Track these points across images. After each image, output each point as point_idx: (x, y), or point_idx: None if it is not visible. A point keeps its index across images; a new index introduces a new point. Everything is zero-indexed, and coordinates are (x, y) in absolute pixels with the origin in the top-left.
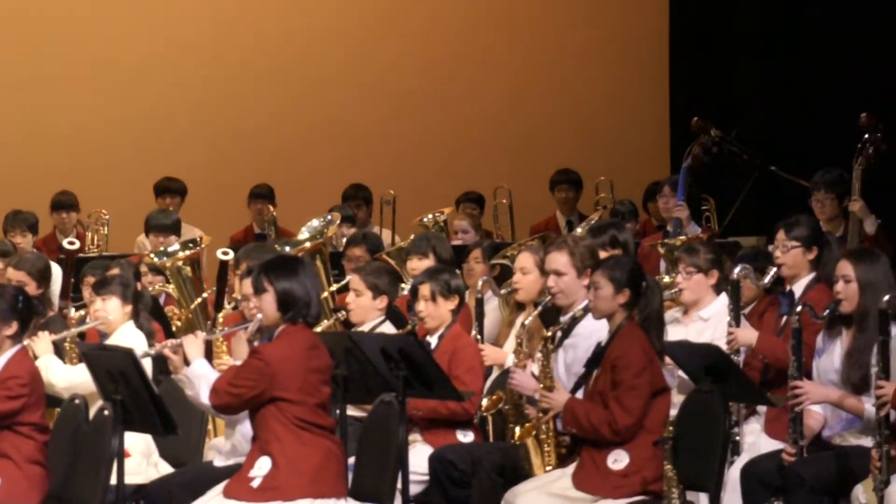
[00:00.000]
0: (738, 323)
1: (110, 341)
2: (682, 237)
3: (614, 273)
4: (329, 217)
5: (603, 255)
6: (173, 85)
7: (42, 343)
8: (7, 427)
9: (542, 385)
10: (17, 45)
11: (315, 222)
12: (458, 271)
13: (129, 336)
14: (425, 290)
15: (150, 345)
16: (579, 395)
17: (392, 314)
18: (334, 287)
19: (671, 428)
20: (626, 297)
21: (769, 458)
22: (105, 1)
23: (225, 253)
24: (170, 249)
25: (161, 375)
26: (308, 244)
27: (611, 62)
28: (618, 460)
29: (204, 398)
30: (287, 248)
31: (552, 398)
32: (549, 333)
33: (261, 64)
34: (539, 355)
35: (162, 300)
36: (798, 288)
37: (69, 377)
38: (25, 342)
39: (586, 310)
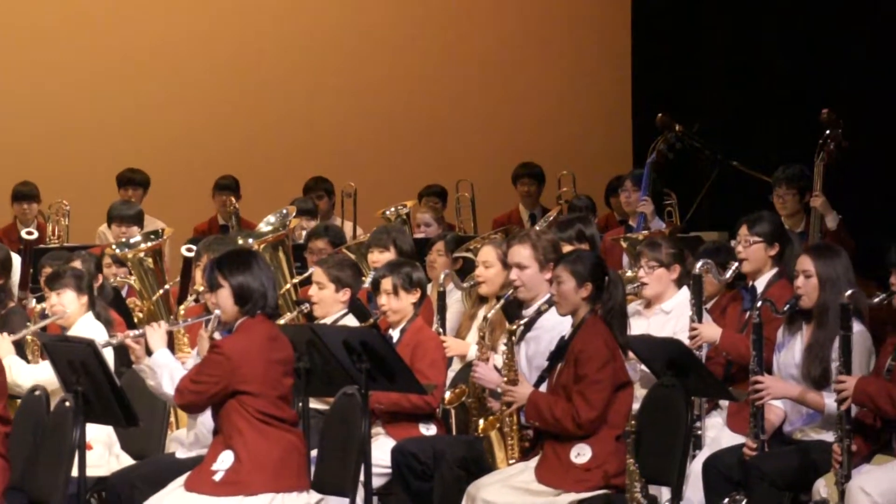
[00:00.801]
0: (699, 318)
1: (70, 333)
2: (645, 232)
3: (576, 267)
4: (285, 210)
5: (569, 249)
6: (137, 76)
7: (3, 344)
8: None
9: (505, 378)
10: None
11: (272, 217)
12: (419, 264)
13: (88, 327)
14: (387, 283)
15: (111, 335)
16: (542, 388)
17: (355, 307)
18: (297, 279)
19: (633, 422)
20: (589, 292)
21: (731, 453)
22: None
23: (189, 250)
24: (132, 241)
25: (123, 367)
26: (270, 236)
27: (573, 55)
28: (580, 454)
29: (166, 388)
30: (250, 241)
31: (515, 391)
32: (514, 327)
33: (224, 56)
34: (502, 348)
35: (125, 292)
36: (760, 283)
37: (35, 376)
38: None
39: (551, 303)
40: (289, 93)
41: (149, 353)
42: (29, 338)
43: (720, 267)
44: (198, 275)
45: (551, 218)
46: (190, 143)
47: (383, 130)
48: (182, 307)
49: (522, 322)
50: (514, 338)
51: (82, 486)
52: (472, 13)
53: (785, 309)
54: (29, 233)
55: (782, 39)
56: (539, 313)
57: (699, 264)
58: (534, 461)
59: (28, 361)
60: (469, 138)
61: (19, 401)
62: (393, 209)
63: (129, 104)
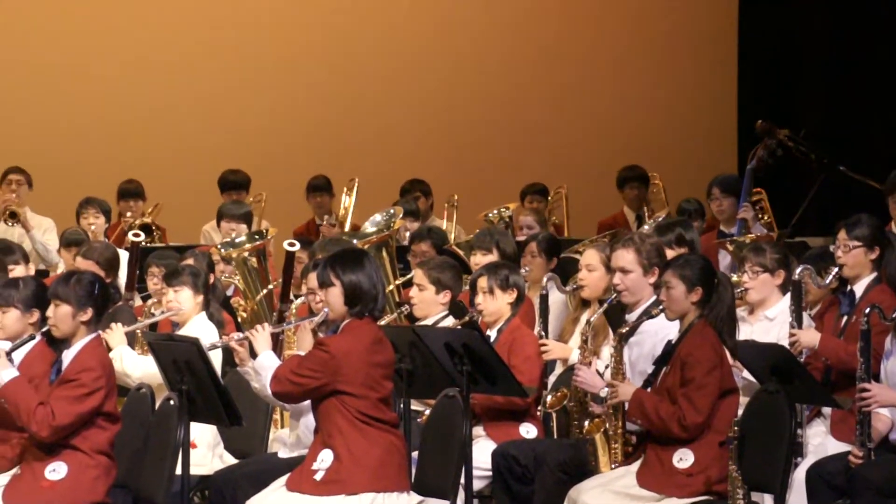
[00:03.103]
0: (800, 324)
1: (182, 332)
2: (752, 235)
3: (685, 272)
4: (392, 211)
5: (669, 253)
6: (239, 78)
7: (116, 334)
8: None
9: (613, 377)
10: (87, 38)
11: (378, 216)
12: (517, 266)
13: (201, 327)
14: (483, 283)
15: (221, 336)
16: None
17: (455, 309)
18: (399, 281)
19: (736, 428)
20: (699, 296)
21: (835, 460)
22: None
23: (291, 244)
24: (237, 240)
25: (227, 367)
26: (374, 237)
27: (677, 56)
28: (683, 459)
29: (270, 390)
30: (353, 241)
31: (620, 388)
32: (625, 329)
33: (326, 58)
34: (605, 352)
35: (231, 292)
36: (859, 288)
37: (143, 367)
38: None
39: (660, 308)
40: (391, 96)
41: (253, 354)
42: (138, 333)
43: (822, 272)
44: (311, 277)
45: (660, 220)
46: (291, 146)
47: (484, 133)
48: (293, 306)
49: (631, 325)
50: (623, 341)
51: (186, 484)
52: (574, 14)
53: (894, 316)
54: (136, 235)
55: (893, 41)
56: (650, 317)
57: (798, 270)
58: (635, 465)
59: None
60: (570, 141)
61: (125, 399)
62: (495, 211)
63: (232, 105)
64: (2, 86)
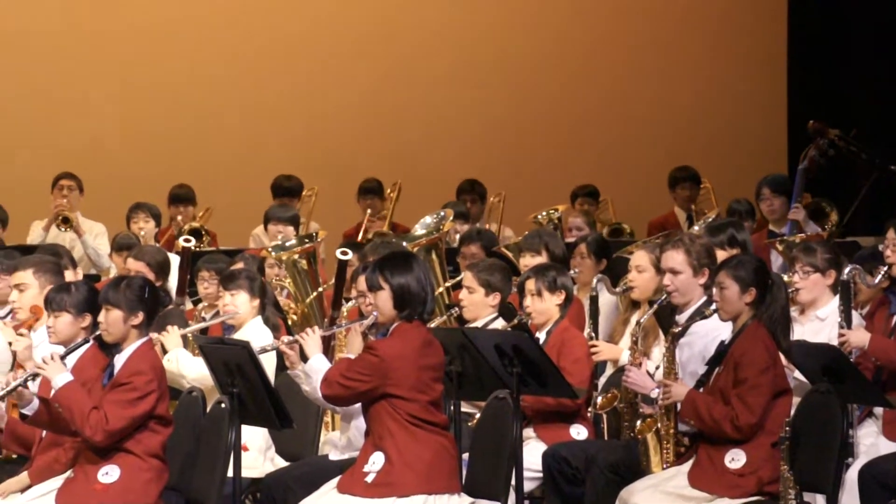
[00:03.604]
0: (849, 324)
1: (237, 336)
2: (802, 235)
3: (739, 272)
4: (442, 213)
5: (721, 254)
6: (289, 82)
7: (172, 337)
8: None
9: (665, 377)
10: (138, 44)
11: (428, 218)
12: (565, 268)
13: (256, 332)
14: (531, 285)
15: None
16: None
17: (505, 311)
18: (449, 283)
19: (788, 428)
20: (753, 297)
21: (888, 460)
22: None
23: (344, 253)
24: (287, 243)
25: (277, 370)
26: (424, 240)
27: (727, 55)
28: (735, 459)
29: (320, 392)
30: (403, 244)
31: (673, 388)
32: (677, 330)
33: (376, 61)
34: (656, 352)
35: (284, 294)
36: None
37: (199, 369)
38: (154, 336)
39: (713, 308)
40: (442, 98)
41: (304, 358)
42: (190, 337)
43: (870, 272)
44: (361, 280)
45: (710, 220)
46: (341, 148)
47: (534, 134)
48: (345, 309)
49: (683, 325)
50: (676, 340)
51: (237, 486)
52: (623, 14)
53: None
54: (187, 240)
55: None
56: (703, 317)
57: (847, 270)
58: (686, 466)
59: None
60: (619, 141)
61: (177, 402)
62: (545, 213)
63: (282, 111)
64: (53, 92)
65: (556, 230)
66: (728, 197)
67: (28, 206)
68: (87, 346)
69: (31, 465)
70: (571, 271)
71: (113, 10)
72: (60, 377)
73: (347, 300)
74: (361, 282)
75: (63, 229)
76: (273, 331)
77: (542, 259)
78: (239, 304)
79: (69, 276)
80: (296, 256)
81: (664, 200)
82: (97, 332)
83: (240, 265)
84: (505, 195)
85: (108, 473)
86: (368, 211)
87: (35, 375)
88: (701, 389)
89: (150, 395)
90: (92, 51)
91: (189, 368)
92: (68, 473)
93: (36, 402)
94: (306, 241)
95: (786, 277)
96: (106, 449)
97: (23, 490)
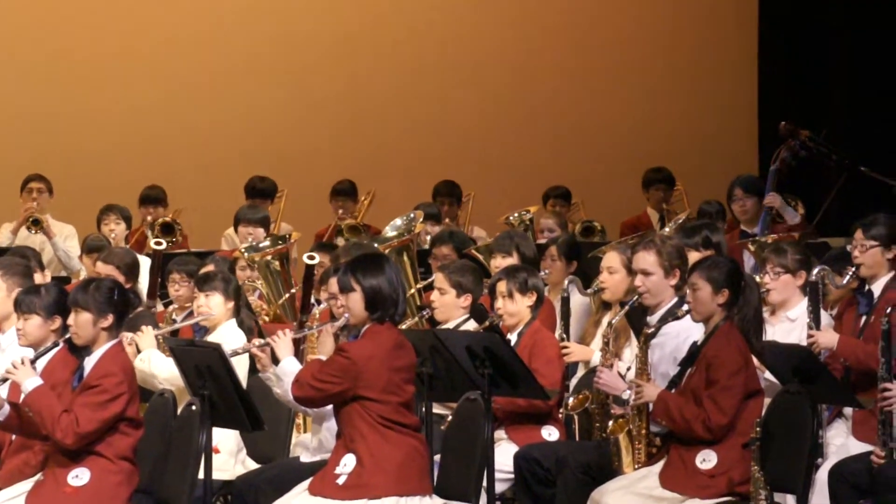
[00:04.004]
0: (818, 325)
1: (211, 338)
2: (774, 236)
3: (713, 273)
4: (412, 214)
5: (696, 255)
6: (260, 83)
7: (146, 337)
8: None
9: (637, 378)
10: (108, 44)
11: (399, 220)
12: (535, 270)
13: (230, 334)
14: (502, 287)
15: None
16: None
17: (476, 312)
18: (420, 285)
19: (758, 429)
20: (726, 298)
21: (858, 461)
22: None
23: (311, 258)
24: (260, 245)
25: (250, 373)
26: (395, 241)
27: (699, 60)
28: (706, 460)
29: (291, 394)
30: (374, 245)
31: (645, 388)
32: (650, 330)
33: (347, 63)
34: (627, 354)
35: (256, 296)
36: (877, 287)
37: (171, 369)
38: (129, 336)
39: (685, 309)
40: (413, 98)
41: (276, 360)
42: (160, 339)
43: (840, 273)
44: (332, 282)
45: (680, 222)
46: (315, 149)
47: (506, 136)
48: (317, 311)
49: (655, 326)
50: (647, 341)
51: (208, 489)
52: (596, 20)
53: None
54: (158, 242)
55: None
56: (675, 318)
57: (815, 271)
58: (658, 466)
59: None
60: (590, 143)
61: (147, 404)
62: (516, 214)
63: (251, 109)
64: (22, 93)
65: (527, 231)
66: (699, 198)
67: None
68: (56, 349)
69: (0, 469)
70: (542, 272)
71: (81, 11)
72: (30, 381)
73: (318, 303)
74: (333, 283)
75: (33, 231)
76: (247, 333)
77: (512, 260)
78: (213, 305)
79: (38, 278)
80: (268, 258)
81: (636, 202)
82: (67, 335)
83: (210, 267)
84: (474, 195)
85: (78, 476)
86: (340, 212)
87: (4, 380)
88: (673, 390)
89: (121, 396)
90: (60, 52)
91: (161, 368)
92: (38, 476)
93: (6, 408)
94: (279, 242)
95: (757, 278)
96: (76, 452)
97: None
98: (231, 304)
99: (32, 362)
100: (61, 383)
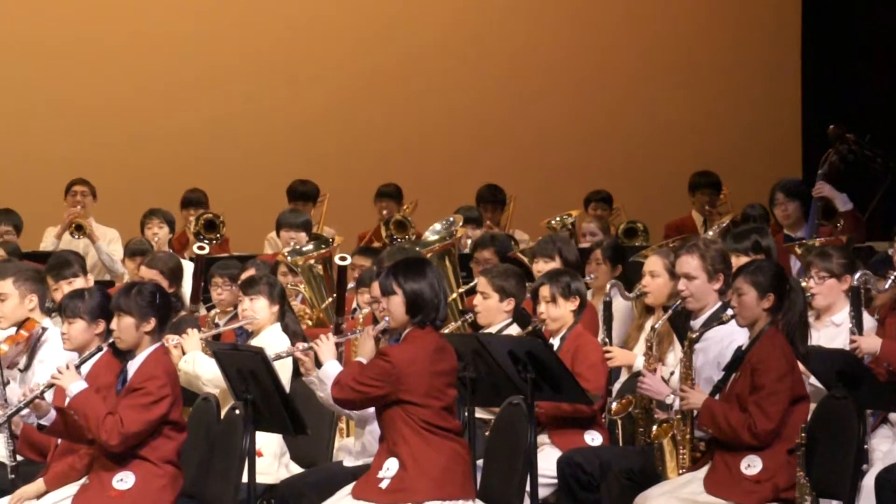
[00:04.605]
0: (860, 330)
1: (255, 342)
2: (820, 239)
3: (757, 278)
4: (452, 219)
5: (743, 260)
6: (302, 85)
7: (192, 340)
8: None
9: (682, 383)
10: (150, 50)
11: (438, 225)
12: (578, 274)
13: (274, 338)
14: (545, 291)
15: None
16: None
17: (519, 316)
18: (462, 289)
19: (804, 434)
20: (771, 302)
21: None
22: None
23: (342, 258)
24: (303, 248)
25: (294, 376)
26: (437, 245)
27: (741, 63)
28: (751, 465)
29: (331, 396)
30: (416, 249)
31: (690, 395)
32: (694, 336)
33: (387, 64)
34: (670, 358)
35: (298, 300)
36: None
37: (215, 370)
38: (174, 340)
39: (730, 314)
40: (453, 100)
41: (319, 364)
42: (203, 343)
43: (882, 276)
44: (375, 285)
45: (724, 225)
46: (356, 151)
47: (548, 136)
48: (360, 315)
49: (699, 331)
50: (692, 346)
51: (252, 493)
52: (637, 20)
53: None
54: (200, 247)
55: None
56: (720, 322)
57: (857, 276)
58: (702, 471)
59: None
60: (633, 147)
61: (190, 408)
62: (558, 218)
63: (294, 114)
64: (65, 97)
65: (571, 237)
66: (741, 200)
67: (41, 212)
68: (100, 354)
69: (46, 472)
70: (587, 277)
71: (121, 16)
72: (75, 385)
73: (359, 307)
74: (375, 287)
75: (76, 236)
76: (292, 337)
77: (555, 265)
78: (258, 309)
79: (80, 282)
80: (311, 261)
81: (678, 204)
82: (111, 340)
83: (253, 271)
84: (515, 197)
85: (123, 480)
86: (384, 212)
87: (51, 386)
88: (717, 395)
89: (164, 399)
90: (103, 58)
91: (205, 369)
92: (83, 480)
93: (52, 413)
94: (323, 246)
95: (802, 283)
96: (121, 455)
97: (39, 496)
98: (275, 308)
99: (77, 368)
100: (105, 387)
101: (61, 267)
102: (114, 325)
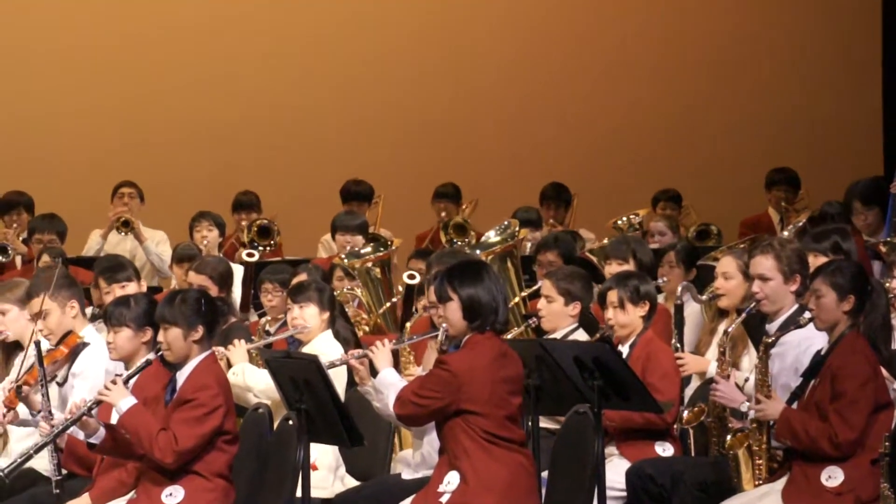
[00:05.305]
0: None
1: (306, 349)
2: None
3: (837, 279)
4: (507, 223)
5: (823, 260)
6: (356, 85)
7: (238, 351)
8: None
9: (757, 391)
10: (200, 52)
11: (492, 233)
12: (648, 277)
13: (326, 345)
14: (613, 296)
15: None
16: (793, 406)
17: (585, 321)
18: (525, 293)
19: (887, 444)
20: (851, 305)
21: None
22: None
23: (411, 276)
24: (361, 251)
25: (348, 386)
26: (498, 247)
27: (820, 58)
28: (832, 477)
29: (394, 412)
30: (477, 252)
31: (767, 406)
32: (770, 340)
33: (451, 65)
34: (744, 363)
35: (355, 304)
36: None
37: (267, 381)
38: (220, 350)
39: (808, 317)
40: (512, 96)
41: (374, 372)
42: (254, 353)
43: None
44: (430, 291)
45: (800, 224)
46: (411, 151)
47: (614, 133)
48: (408, 324)
49: (776, 333)
50: (767, 351)
51: None
52: (710, 17)
53: None
54: (250, 254)
55: None
56: (798, 326)
57: None
58: (780, 483)
59: None
60: (705, 143)
61: (242, 420)
62: (625, 219)
63: (347, 113)
64: (114, 101)
65: (644, 237)
66: (820, 196)
67: (87, 217)
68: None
69: (92, 487)
70: (659, 280)
71: (171, 17)
72: (124, 402)
73: (416, 311)
74: (431, 293)
75: (123, 233)
76: (344, 344)
77: (629, 267)
78: (308, 317)
79: (132, 287)
80: (369, 265)
81: (750, 205)
82: (158, 351)
83: (303, 276)
84: (578, 195)
85: (173, 495)
86: (443, 214)
87: (99, 402)
88: (795, 403)
89: (218, 409)
90: (152, 58)
91: (256, 381)
92: (131, 495)
93: (101, 431)
94: (381, 249)
95: (885, 283)
96: (170, 470)
97: None
98: (326, 315)
99: (125, 382)
100: (153, 399)
101: (114, 270)
102: (160, 337)
